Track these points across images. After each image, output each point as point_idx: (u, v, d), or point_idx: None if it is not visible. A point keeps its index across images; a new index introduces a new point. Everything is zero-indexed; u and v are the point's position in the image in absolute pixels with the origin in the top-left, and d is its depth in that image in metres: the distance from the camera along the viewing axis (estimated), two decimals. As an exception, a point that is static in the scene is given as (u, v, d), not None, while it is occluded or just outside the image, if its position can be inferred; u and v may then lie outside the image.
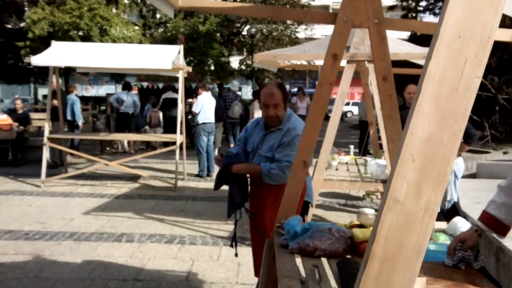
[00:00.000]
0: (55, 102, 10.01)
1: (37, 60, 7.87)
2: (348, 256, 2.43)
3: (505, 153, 11.20)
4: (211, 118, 9.57)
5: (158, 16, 23.58)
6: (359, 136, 13.32)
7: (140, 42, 19.01)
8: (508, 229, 2.17)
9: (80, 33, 17.80)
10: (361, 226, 2.71)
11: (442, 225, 5.28)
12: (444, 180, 0.92)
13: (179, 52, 8.30)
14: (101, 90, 39.65)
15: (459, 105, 0.91)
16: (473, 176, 8.78)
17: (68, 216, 6.55)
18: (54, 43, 8.53)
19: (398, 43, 6.27)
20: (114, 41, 17.52)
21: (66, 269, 4.60)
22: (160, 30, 22.53)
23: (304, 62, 10.44)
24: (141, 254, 5.06)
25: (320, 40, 6.66)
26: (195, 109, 9.48)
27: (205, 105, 9.38)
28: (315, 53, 6.13)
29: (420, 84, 0.93)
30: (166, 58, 7.78)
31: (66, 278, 4.36)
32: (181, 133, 8.78)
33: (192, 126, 11.36)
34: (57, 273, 4.48)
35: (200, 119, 9.40)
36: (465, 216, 5.25)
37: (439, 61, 0.90)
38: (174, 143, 8.70)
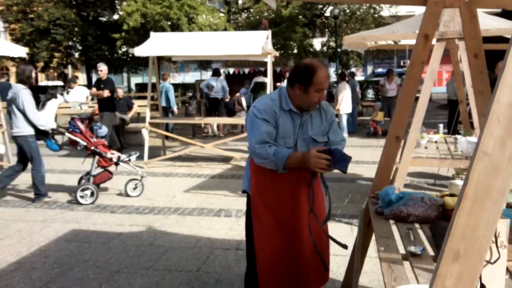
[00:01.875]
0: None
1: (139, 51, 8.56)
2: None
3: None
4: None
5: (240, 1, 24.15)
6: (448, 115, 13.00)
7: (225, 29, 19.65)
8: None
9: (169, 22, 18.75)
10: (452, 195, 2.89)
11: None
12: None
13: (267, 38, 8.64)
14: (187, 77, 41.17)
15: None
16: None
17: (170, 193, 7.18)
18: (153, 34, 9.20)
19: (489, 18, 6.15)
20: (200, 28, 18.28)
21: (175, 238, 5.14)
22: (244, 15, 23.04)
23: (391, 42, 10.41)
24: (239, 227, 5.49)
25: (408, 20, 6.67)
26: None
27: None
28: (404, 33, 6.18)
29: (506, 57, 1.15)
30: (255, 43, 8.15)
31: (176, 246, 4.89)
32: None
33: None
34: (168, 242, 5.03)
35: None
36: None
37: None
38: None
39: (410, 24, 6.38)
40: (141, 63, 23.64)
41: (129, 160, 6.92)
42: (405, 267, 2.09)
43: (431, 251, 2.29)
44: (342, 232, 5.16)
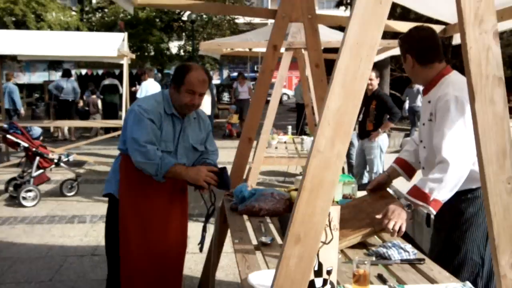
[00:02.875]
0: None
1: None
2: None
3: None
4: None
5: (94, 1, 23.17)
6: (296, 118, 14.01)
7: (78, 28, 18.72)
8: (414, 171, 2.79)
9: (14, 19, 17.29)
10: (297, 190, 3.20)
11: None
12: (348, 137, 1.39)
13: (123, 40, 8.49)
14: (33, 77, 38.13)
15: (358, 87, 1.38)
16: (398, 152, 9.58)
17: (16, 201, 6.68)
18: (-7, 30, 8.46)
19: (330, 31, 6.85)
20: (50, 26, 17.18)
21: (24, 249, 4.83)
22: (98, 15, 22.15)
23: (246, 49, 10.92)
24: (95, 233, 5.35)
25: (260, 29, 7.12)
26: (139, 95, 9.70)
27: (149, 91, 9.61)
28: (256, 42, 6.60)
29: (333, 74, 1.39)
30: (111, 45, 7.96)
31: (25, 257, 4.61)
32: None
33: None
34: (15, 253, 4.71)
35: None
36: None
37: (344, 59, 1.36)
38: (117, 129, 8.95)
39: (262, 33, 6.84)
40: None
41: (68, 160, 6.98)
42: (257, 256, 2.29)
43: (279, 241, 2.53)
44: (199, 230, 5.30)
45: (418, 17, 4.90)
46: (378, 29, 1.37)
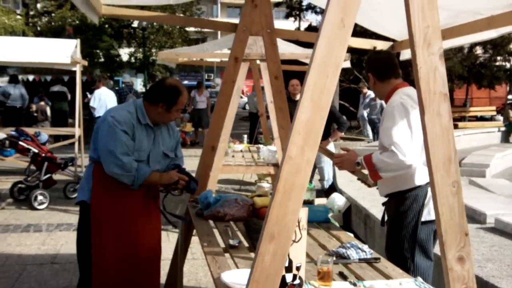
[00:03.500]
0: None
1: None
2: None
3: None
4: None
5: (39, 5, 22.58)
6: (249, 127, 14.20)
7: (23, 32, 18.20)
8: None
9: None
10: (259, 195, 3.37)
11: (323, 200, 6.22)
12: (316, 145, 1.57)
13: (76, 46, 8.41)
14: (-27, 83, 36.63)
15: (325, 101, 1.55)
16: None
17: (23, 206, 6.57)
18: None
19: (285, 44, 7.09)
20: (-6, 30, 16.61)
21: (-21, 259, 4.74)
22: (45, 19, 21.59)
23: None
24: (53, 241, 5.31)
25: (216, 40, 7.31)
26: (92, 103, 9.62)
27: (102, 99, 9.56)
28: (213, 52, 6.78)
29: (303, 89, 1.56)
30: (64, 51, 7.88)
31: (-19, 267, 4.53)
32: (79, 126, 8.87)
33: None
34: (-30, 263, 4.62)
35: (98, 113, 9.56)
36: (341, 192, 6.21)
37: (312, 76, 1.53)
38: (68, 136, 8.93)
39: (218, 44, 7.01)
40: None
41: (72, 164, 7.42)
42: (226, 258, 2.43)
43: (245, 243, 2.68)
44: (170, 239, 5.37)
45: (368, 33, 5.20)
46: (342, 49, 1.56)
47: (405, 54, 4.15)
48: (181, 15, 20.40)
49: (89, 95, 12.90)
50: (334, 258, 2.41)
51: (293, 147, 1.55)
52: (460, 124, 17.97)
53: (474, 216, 4.64)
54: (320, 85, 1.56)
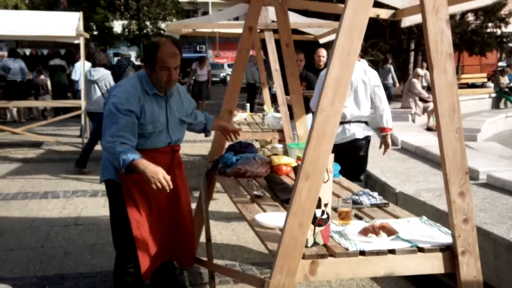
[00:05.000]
0: None
1: None
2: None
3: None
4: None
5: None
6: (247, 97, 14.46)
7: (16, 6, 18.15)
8: None
9: None
10: (275, 155, 3.69)
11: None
12: (344, 98, 1.87)
13: (79, 19, 8.57)
14: (-36, 58, 36.32)
15: (351, 60, 1.85)
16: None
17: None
18: None
19: (291, 14, 7.29)
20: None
21: (7, 221, 5.04)
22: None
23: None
24: (72, 206, 5.62)
25: (223, 11, 7.51)
26: (74, 76, 9.83)
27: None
28: (220, 22, 7.02)
29: (332, 50, 1.85)
30: (68, 24, 8.05)
31: (11, 228, 4.83)
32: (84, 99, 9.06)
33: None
34: (1, 225, 4.90)
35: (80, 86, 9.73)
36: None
37: (341, 39, 1.82)
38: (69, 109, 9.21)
39: (223, 14, 7.21)
40: None
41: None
42: (254, 205, 2.75)
43: (267, 194, 3.00)
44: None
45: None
46: (366, 13, 1.86)
47: (406, 22, 4.42)
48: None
49: (70, 67, 12.90)
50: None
51: (325, 99, 1.86)
52: (452, 91, 18.24)
53: (473, 176, 5.01)
54: (347, 47, 1.85)
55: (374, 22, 17.68)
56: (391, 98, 13.92)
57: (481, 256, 2.14)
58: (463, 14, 17.64)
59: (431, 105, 10.84)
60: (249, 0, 3.74)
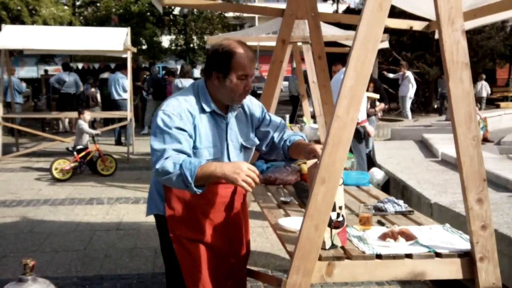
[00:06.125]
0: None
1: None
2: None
3: (415, 120, 12.86)
4: None
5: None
6: (291, 109, 14.56)
7: (71, 22, 19.05)
8: None
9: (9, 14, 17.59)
10: (305, 163, 3.76)
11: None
12: (359, 107, 1.94)
13: (127, 34, 8.97)
14: (22, 72, 38.25)
15: (366, 70, 1.93)
16: (388, 140, 10.21)
17: (35, 187, 7.18)
18: (5, 27, 8.88)
19: (326, 26, 7.41)
20: (44, 21, 17.49)
21: (54, 225, 5.34)
22: (90, 9, 22.46)
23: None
24: (115, 212, 5.88)
25: (259, 25, 7.73)
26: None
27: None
28: (258, 36, 7.21)
29: (348, 61, 1.94)
30: (117, 39, 8.45)
31: (57, 232, 5.12)
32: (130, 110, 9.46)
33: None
34: (47, 228, 5.22)
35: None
36: (379, 167, 6.54)
37: (356, 50, 1.91)
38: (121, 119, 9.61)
39: (262, 28, 7.41)
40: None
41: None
42: (280, 210, 2.85)
43: (295, 201, 3.08)
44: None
45: (407, 14, 5.47)
46: (380, 27, 1.93)
47: (440, 33, 4.42)
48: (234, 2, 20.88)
49: None
50: (373, 209, 2.79)
51: (340, 108, 1.95)
52: (502, 104, 17.76)
53: (507, 186, 4.91)
54: (362, 57, 1.93)
55: (420, 35, 17.50)
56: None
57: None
58: (514, 25, 17.19)
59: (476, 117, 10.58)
60: (282, 13, 3.88)
